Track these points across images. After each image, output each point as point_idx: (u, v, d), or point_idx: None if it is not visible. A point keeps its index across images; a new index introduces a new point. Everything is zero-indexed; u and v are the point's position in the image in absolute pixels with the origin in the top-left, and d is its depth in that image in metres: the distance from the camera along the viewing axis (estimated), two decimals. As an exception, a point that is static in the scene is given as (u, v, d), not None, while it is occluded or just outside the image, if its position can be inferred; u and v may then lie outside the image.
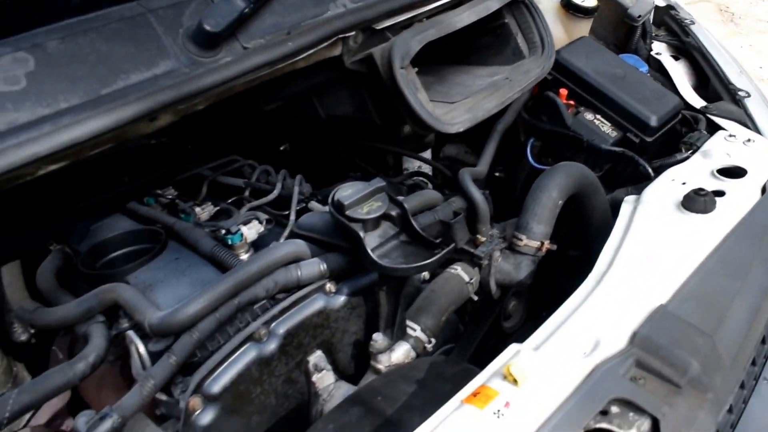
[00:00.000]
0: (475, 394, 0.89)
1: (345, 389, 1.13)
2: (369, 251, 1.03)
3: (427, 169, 1.69)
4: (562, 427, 0.86)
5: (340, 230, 1.09)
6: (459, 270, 1.24)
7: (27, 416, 1.34)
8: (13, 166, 0.81)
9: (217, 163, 1.46)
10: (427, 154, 1.67)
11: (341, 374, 1.16)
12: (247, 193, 1.36)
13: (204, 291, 1.01)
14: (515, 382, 0.89)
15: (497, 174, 1.75)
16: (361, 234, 1.03)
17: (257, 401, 1.05)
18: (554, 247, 1.27)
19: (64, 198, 1.31)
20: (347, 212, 1.04)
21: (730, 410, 1.01)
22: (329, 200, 1.06)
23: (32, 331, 1.32)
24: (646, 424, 0.89)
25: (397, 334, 1.15)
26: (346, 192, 1.06)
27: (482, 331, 1.35)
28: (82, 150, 0.90)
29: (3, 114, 0.89)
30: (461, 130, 1.27)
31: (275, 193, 1.31)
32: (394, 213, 1.09)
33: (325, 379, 1.12)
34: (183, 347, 0.99)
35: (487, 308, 1.34)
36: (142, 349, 1.00)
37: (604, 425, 0.89)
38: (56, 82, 0.92)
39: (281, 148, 1.59)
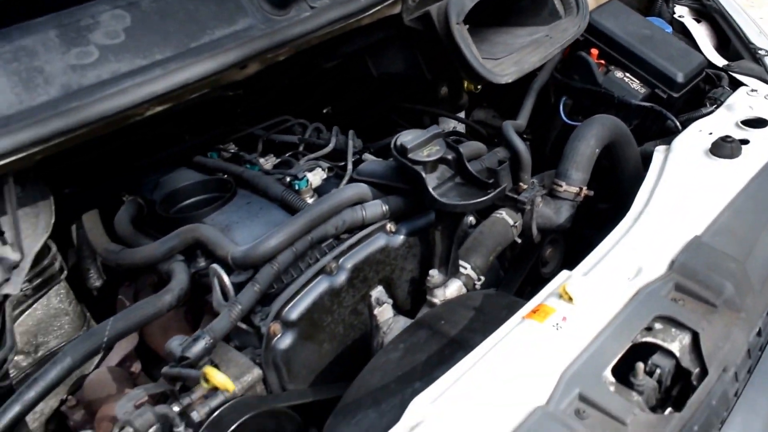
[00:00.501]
0: (534, 311, 1.00)
1: (403, 323, 1.24)
2: (430, 189, 1.13)
3: (461, 129, 1.79)
4: (614, 340, 0.96)
5: (402, 172, 1.19)
6: (504, 214, 1.34)
7: (97, 358, 1.45)
8: (134, 103, 0.92)
9: (270, 123, 1.56)
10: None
11: (398, 309, 1.27)
12: (301, 148, 1.47)
13: (282, 227, 1.12)
14: (570, 300, 1.00)
15: (525, 137, 1.85)
16: (423, 174, 1.13)
17: (328, 329, 1.16)
18: (591, 193, 1.37)
19: (134, 153, 1.41)
20: (410, 155, 1.14)
21: (758, 333, 1.11)
22: (392, 145, 1.16)
23: (104, 278, 1.43)
24: (687, 338, 1.00)
25: (451, 271, 1.26)
26: (408, 137, 1.16)
27: (521, 277, 1.45)
28: (185, 93, 1.00)
29: (107, 64, 0.99)
30: (510, 80, 1.37)
31: (331, 146, 1.41)
32: (449, 157, 1.19)
33: (385, 312, 1.23)
34: (265, 277, 1.09)
35: (526, 255, 1.45)
36: (227, 279, 1.10)
37: (649, 339, 0.99)
38: (151, 36, 1.02)
39: (324, 111, 1.69)
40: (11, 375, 1.33)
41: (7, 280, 0.95)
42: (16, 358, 1.32)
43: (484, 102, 1.91)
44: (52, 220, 1.08)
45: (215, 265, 1.12)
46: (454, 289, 1.23)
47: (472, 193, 1.17)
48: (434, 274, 1.20)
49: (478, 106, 1.92)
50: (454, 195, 1.17)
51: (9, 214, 0.97)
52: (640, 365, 0.92)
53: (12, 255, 0.97)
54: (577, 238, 1.52)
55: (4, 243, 0.97)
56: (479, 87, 1.62)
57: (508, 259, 1.48)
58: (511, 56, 1.40)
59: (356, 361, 1.19)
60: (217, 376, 0.98)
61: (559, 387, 0.90)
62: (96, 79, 0.99)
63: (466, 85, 1.64)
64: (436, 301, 1.21)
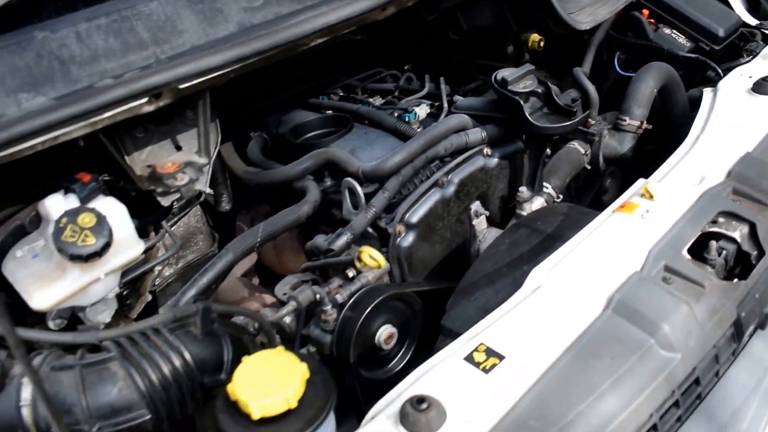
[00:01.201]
0: (622, 206, 1.23)
1: (494, 233, 1.47)
2: (528, 115, 1.36)
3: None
4: (688, 227, 1.19)
5: (499, 103, 1.42)
6: (576, 144, 1.57)
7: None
8: (309, 31, 1.15)
9: (366, 74, 1.79)
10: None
11: (490, 222, 1.50)
12: (396, 94, 1.70)
13: (403, 147, 1.35)
14: (651, 197, 1.22)
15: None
16: (521, 102, 1.36)
17: (439, 233, 1.39)
18: (650, 126, 1.60)
19: (257, 95, 1.64)
20: (509, 87, 1.37)
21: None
22: (493, 79, 1.39)
23: (233, 203, 1.66)
24: (745, 228, 1.22)
25: (537, 189, 1.49)
26: (506, 73, 1.39)
27: (587, 201, 1.69)
28: (339, 29, 1.22)
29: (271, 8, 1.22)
30: (587, 28, 1.60)
31: (426, 89, 1.64)
32: (539, 90, 1.42)
33: (481, 223, 1.46)
34: (392, 186, 1.32)
35: (591, 182, 1.68)
36: (359, 189, 1.33)
37: (715, 229, 1.22)
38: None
39: (405, 68, 1.91)
40: (156, 283, 1.56)
41: (197, 179, 1.18)
42: (160, 268, 1.55)
43: (538, 64, 2.14)
44: (219, 139, 1.31)
45: (348, 178, 1.35)
46: (538, 204, 1.46)
47: (559, 120, 1.40)
48: (523, 191, 1.43)
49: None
50: (544, 121, 1.40)
51: (202, 125, 1.20)
52: (713, 243, 1.15)
53: (200, 159, 1.20)
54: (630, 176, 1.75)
55: (198, 149, 1.19)
56: (542, 45, 1.84)
57: (574, 188, 1.71)
58: (585, 9, 1.63)
59: (458, 263, 1.42)
60: (373, 253, 1.21)
61: (648, 260, 1.12)
62: (263, 19, 1.22)
63: (530, 43, 1.86)
64: (524, 213, 1.44)
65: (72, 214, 1.02)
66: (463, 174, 1.39)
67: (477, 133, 1.42)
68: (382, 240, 1.34)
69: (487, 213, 1.45)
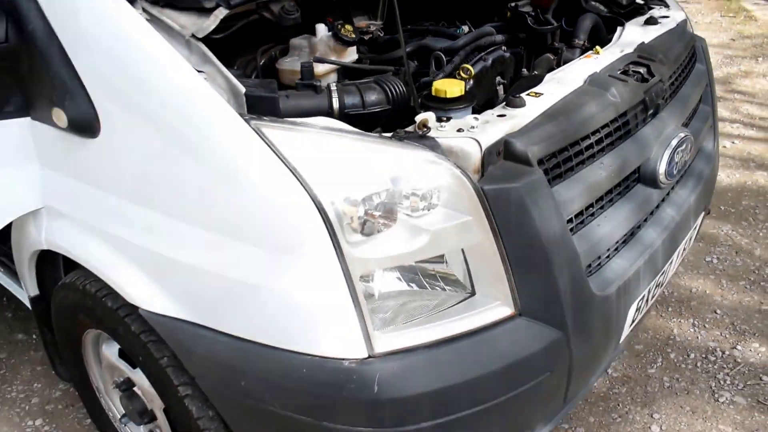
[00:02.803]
0: (587, 56, 2.34)
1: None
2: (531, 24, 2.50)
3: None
4: (617, 63, 2.31)
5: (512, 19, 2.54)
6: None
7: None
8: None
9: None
10: None
11: (504, 90, 2.58)
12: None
13: (463, 37, 2.43)
14: (598, 53, 2.34)
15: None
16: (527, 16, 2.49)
17: (484, 87, 2.45)
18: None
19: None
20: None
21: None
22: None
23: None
24: (645, 67, 2.36)
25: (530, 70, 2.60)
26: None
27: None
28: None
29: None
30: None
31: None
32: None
33: (500, 88, 2.55)
34: (462, 55, 2.39)
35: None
36: (443, 56, 2.38)
37: (631, 66, 2.35)
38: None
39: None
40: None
41: None
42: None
43: None
44: None
45: (436, 52, 2.41)
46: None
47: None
48: (524, 71, 2.53)
49: None
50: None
51: None
52: (631, 67, 2.28)
53: None
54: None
55: None
56: None
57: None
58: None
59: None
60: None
61: (602, 71, 2.23)
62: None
63: None
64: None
65: None
66: (493, 56, 2.48)
67: (500, 38, 2.53)
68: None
69: (505, 81, 2.53)
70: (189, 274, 1.74)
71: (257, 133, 1.55)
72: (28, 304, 2.62)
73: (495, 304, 1.76)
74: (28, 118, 1.98)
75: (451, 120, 1.79)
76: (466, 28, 2.67)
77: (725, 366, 3.15)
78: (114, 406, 2.57)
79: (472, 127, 1.76)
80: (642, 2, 2.97)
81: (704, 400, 2.96)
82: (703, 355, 3.21)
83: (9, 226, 2.28)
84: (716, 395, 2.99)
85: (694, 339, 3.33)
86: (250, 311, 1.68)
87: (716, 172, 2.87)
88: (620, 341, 2.17)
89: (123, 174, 1.81)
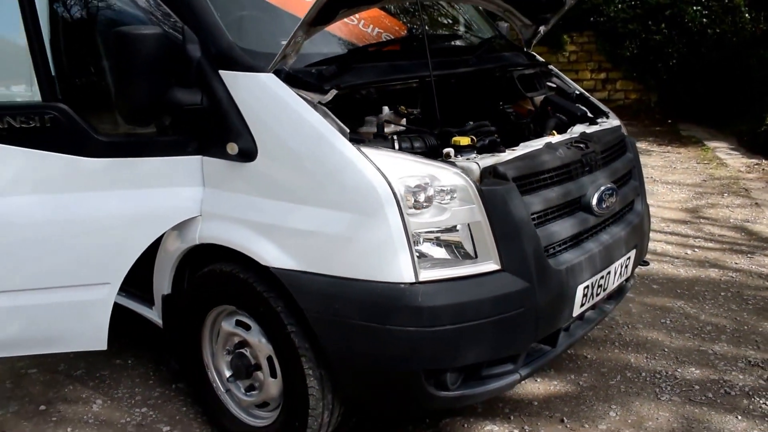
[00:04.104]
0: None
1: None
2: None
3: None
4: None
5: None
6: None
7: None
8: None
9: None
10: None
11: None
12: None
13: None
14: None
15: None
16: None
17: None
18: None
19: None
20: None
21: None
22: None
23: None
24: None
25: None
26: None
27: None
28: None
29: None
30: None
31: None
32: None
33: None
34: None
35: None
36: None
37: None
38: None
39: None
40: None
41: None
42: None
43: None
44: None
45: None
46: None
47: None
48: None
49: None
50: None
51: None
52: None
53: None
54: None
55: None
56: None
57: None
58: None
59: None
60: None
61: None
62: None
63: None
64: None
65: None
66: (485, 133, 3.81)
67: (492, 128, 3.88)
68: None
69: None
70: (305, 237, 2.93)
71: (359, 150, 2.84)
72: (154, 316, 3.74)
73: (488, 262, 2.94)
74: (200, 156, 3.27)
75: (464, 155, 3.08)
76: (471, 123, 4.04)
77: (668, 380, 4.18)
78: (221, 372, 3.62)
79: (475, 158, 3.04)
80: (591, 116, 4.36)
81: (650, 398, 3.98)
82: (651, 374, 4.25)
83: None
84: (659, 396, 4.00)
85: (646, 365, 4.37)
86: (343, 257, 2.86)
87: (646, 226, 4.09)
88: (573, 313, 3.29)
89: (267, 182, 3.06)
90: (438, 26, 4.64)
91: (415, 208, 2.80)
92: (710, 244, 6.74)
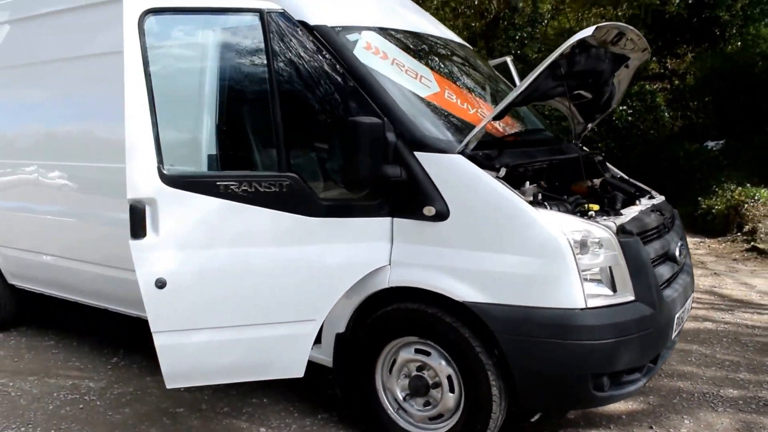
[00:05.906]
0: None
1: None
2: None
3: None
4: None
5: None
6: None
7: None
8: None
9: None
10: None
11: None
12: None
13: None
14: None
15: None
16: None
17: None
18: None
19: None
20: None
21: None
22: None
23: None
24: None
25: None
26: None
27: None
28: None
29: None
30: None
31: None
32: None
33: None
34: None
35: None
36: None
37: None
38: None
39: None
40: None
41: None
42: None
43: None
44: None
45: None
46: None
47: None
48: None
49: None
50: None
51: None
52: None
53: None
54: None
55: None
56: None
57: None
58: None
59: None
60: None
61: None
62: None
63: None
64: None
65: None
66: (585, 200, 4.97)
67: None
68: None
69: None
70: (493, 276, 3.93)
71: (538, 211, 3.92)
72: (315, 353, 4.54)
73: (626, 294, 4.03)
74: (389, 218, 4.24)
75: (602, 216, 4.23)
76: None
77: (716, 398, 5.31)
78: (394, 393, 4.45)
79: (611, 218, 4.20)
80: (638, 193, 5.62)
81: (709, 411, 5.09)
82: (701, 395, 5.38)
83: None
84: (715, 408, 5.12)
85: (694, 389, 5.50)
86: (529, 290, 3.88)
87: (693, 277, 5.31)
88: (671, 336, 4.40)
89: (458, 236, 4.07)
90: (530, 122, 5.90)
91: (580, 253, 3.88)
92: (695, 305, 8.12)
